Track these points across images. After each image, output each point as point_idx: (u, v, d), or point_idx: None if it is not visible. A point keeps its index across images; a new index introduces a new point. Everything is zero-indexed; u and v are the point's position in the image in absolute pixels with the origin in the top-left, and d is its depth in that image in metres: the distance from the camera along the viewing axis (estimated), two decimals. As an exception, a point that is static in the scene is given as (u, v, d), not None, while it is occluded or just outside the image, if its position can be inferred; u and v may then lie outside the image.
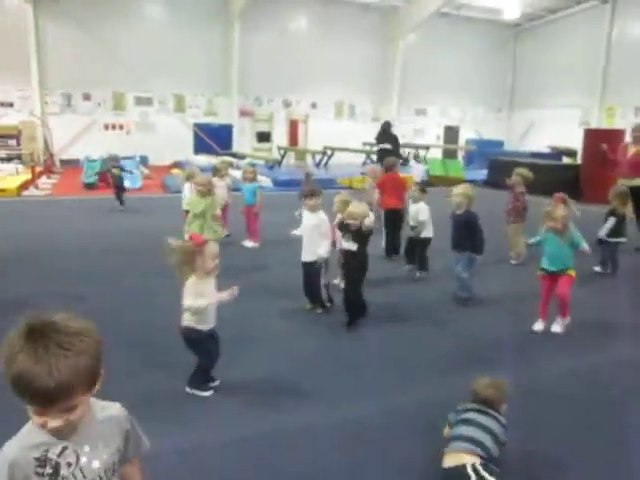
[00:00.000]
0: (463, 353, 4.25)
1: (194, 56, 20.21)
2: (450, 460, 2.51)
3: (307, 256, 5.00)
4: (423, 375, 3.85)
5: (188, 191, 7.25)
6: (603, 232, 6.50)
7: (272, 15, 21.22)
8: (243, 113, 21.84)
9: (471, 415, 2.68)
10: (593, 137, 13.76)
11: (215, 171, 7.82)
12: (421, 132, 25.04)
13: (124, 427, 1.45)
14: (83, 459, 1.33)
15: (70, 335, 1.23)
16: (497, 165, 15.75)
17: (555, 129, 22.69)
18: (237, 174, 9.59)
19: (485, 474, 2.38)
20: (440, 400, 3.25)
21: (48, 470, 1.28)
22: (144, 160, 18.26)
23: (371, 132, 21.90)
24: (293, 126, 22.51)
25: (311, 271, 4.98)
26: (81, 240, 7.99)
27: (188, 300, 3.27)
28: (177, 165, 18.61)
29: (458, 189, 5.46)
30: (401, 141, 22.47)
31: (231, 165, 15.89)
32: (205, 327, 3.38)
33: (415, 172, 12.07)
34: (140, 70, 19.63)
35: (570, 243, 4.58)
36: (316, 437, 3.03)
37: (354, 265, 4.69)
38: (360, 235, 4.58)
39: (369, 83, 23.61)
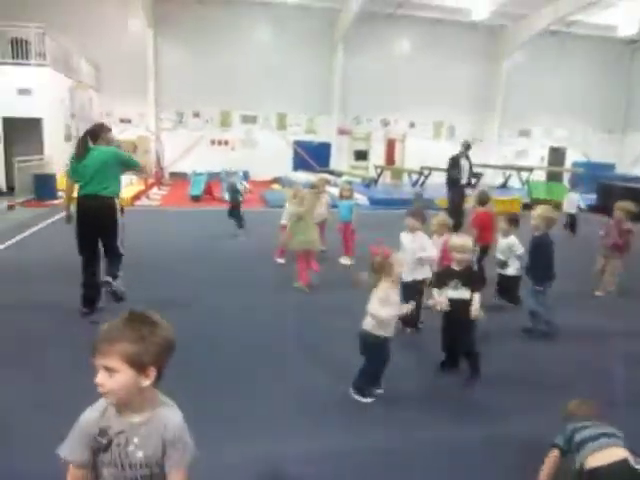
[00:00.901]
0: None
1: (297, 76, 20.95)
2: (602, 458, 2.35)
3: (406, 276, 4.72)
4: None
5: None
6: None
7: (375, 36, 21.55)
8: (342, 132, 22.24)
9: (589, 424, 2.56)
10: None
11: (312, 187, 7.99)
12: (524, 153, 24.17)
13: (165, 435, 1.60)
14: (130, 447, 1.59)
15: (147, 324, 1.56)
16: (606, 189, 14.87)
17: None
18: (334, 191, 9.76)
19: None
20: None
21: (104, 441, 1.58)
22: (245, 175, 19.07)
23: (472, 153, 21.50)
24: (390, 145, 22.60)
25: (408, 291, 4.57)
26: (195, 247, 8.53)
27: (374, 307, 3.42)
28: (277, 181, 19.28)
29: (537, 210, 5.09)
30: (502, 162, 21.97)
31: (328, 182, 16.30)
32: (383, 334, 3.49)
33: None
34: (246, 89, 20.65)
35: None
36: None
37: (465, 318, 3.84)
38: (472, 277, 3.94)
39: (470, 103, 23.20)
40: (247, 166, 19.77)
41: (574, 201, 10.99)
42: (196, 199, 14.19)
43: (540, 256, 4.91)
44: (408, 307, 3.54)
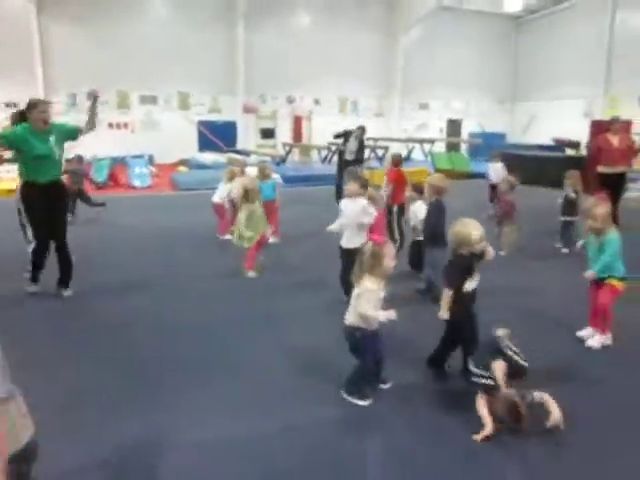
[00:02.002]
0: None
1: (198, 54, 20.27)
2: None
3: (347, 243, 4.80)
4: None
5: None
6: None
7: (275, 13, 21.29)
8: (247, 110, 21.92)
9: None
10: (600, 128, 13.83)
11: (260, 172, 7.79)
12: (424, 126, 25.09)
13: None
14: None
15: None
16: (502, 158, 15.78)
17: (558, 121, 22.78)
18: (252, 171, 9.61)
19: None
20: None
21: None
22: (150, 159, 18.37)
23: (374, 127, 22.03)
24: (297, 122, 22.59)
25: (350, 260, 4.04)
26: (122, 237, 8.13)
27: (365, 307, 3.13)
28: (183, 162, 18.74)
29: (427, 179, 5.45)
30: (404, 135, 22.75)
31: (245, 164, 16.08)
32: (369, 327, 3.21)
33: (493, 173, 10.55)
34: (144, 69, 19.72)
35: (603, 247, 4.06)
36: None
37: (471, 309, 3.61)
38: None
39: (372, 78, 23.68)
40: (150, 149, 19.00)
41: (500, 171, 10.42)
42: (100, 186, 13.48)
43: (431, 222, 5.17)
44: (385, 315, 3.15)
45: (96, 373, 3.73)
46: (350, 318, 3.24)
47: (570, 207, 7.38)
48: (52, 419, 2.78)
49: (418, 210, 5.79)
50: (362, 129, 11.77)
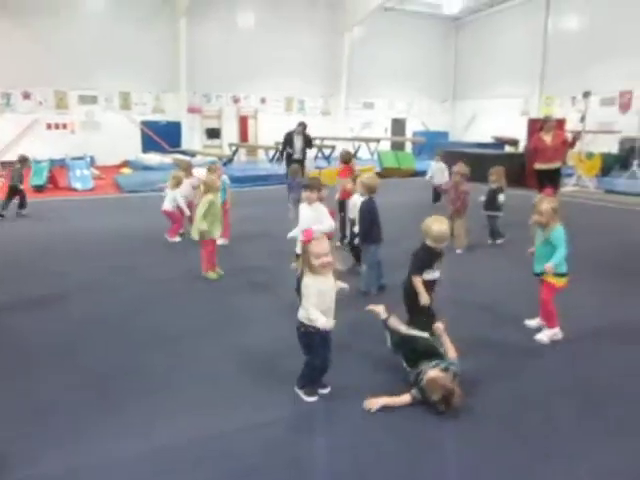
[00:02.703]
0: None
1: (140, 52, 19.76)
2: None
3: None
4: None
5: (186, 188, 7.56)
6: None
7: (218, 9, 21.03)
8: (192, 110, 21.58)
9: None
10: (536, 126, 14.42)
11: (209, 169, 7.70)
12: (369, 125, 25.42)
13: None
14: None
15: None
16: (446, 156, 16.21)
17: (497, 119, 23.60)
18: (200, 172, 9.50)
19: None
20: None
21: None
22: (91, 160, 17.82)
23: (321, 126, 22.17)
24: (243, 122, 22.46)
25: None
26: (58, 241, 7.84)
27: (306, 304, 3.18)
28: (126, 164, 18.29)
29: (360, 178, 5.62)
30: (350, 134, 23.00)
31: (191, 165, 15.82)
32: (312, 324, 3.19)
33: (438, 173, 10.54)
34: (82, 67, 19.06)
35: (551, 243, 4.17)
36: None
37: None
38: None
39: (317, 77, 23.78)
40: (91, 150, 18.43)
41: (443, 171, 10.51)
42: (39, 189, 13.00)
43: (363, 220, 5.33)
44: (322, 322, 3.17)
45: (39, 390, 3.63)
46: (299, 313, 3.31)
47: (493, 202, 7.61)
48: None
49: (358, 202, 5.77)
50: (303, 125, 11.95)
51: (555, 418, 3.20)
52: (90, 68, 19.14)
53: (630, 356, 4.08)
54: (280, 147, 12.96)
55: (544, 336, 4.30)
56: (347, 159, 8.40)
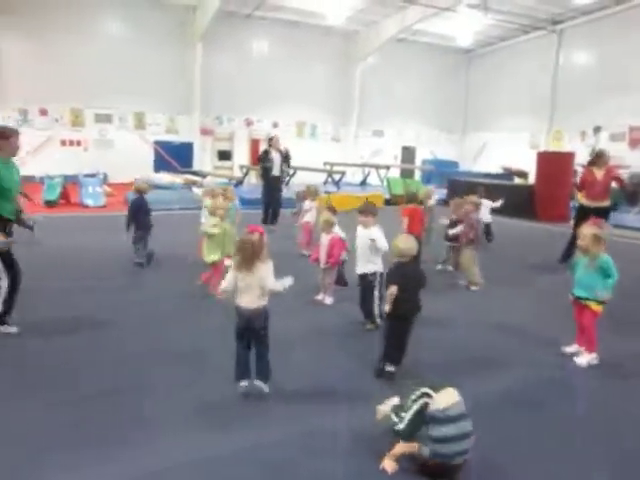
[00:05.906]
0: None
1: (155, 74, 20.18)
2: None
3: (361, 268, 5.04)
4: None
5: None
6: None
7: (234, 36, 21.51)
8: (204, 132, 21.87)
9: None
10: (545, 159, 14.54)
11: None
12: (379, 152, 25.59)
13: None
14: None
15: None
16: (456, 185, 16.34)
17: (506, 151, 23.73)
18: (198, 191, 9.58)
19: None
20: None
21: None
22: (104, 178, 18.02)
23: (331, 152, 22.41)
24: (255, 145, 22.70)
25: (365, 284, 5.01)
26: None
27: (273, 283, 3.60)
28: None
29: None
30: (359, 161, 23.18)
31: (195, 183, 15.98)
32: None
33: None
34: (99, 87, 19.45)
35: (599, 270, 4.25)
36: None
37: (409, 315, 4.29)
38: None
39: (330, 104, 24.12)
40: (104, 168, 18.67)
41: (487, 207, 9.70)
42: (51, 204, 13.13)
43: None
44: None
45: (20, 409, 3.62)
46: (263, 302, 3.70)
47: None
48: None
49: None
50: (270, 138, 11.63)
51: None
52: (107, 88, 19.53)
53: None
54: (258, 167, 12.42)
55: (583, 360, 4.36)
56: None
